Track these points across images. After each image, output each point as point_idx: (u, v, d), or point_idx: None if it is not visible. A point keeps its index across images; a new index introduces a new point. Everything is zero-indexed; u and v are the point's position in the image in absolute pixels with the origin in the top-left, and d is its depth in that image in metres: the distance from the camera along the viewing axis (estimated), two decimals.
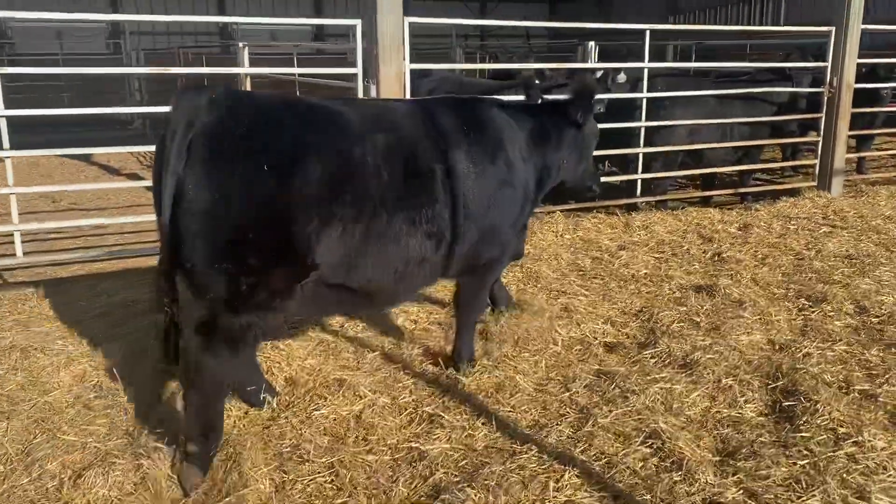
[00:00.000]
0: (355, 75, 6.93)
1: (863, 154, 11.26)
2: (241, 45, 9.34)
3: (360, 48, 6.87)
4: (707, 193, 9.81)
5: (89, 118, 14.09)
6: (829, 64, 9.54)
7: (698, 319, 5.47)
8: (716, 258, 7.16)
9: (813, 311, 5.67)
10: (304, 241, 3.35)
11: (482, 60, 15.79)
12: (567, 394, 4.33)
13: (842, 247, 7.49)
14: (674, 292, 6.16)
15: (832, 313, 5.64)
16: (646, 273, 6.64)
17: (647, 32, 8.48)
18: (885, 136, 12.77)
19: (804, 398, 4.21)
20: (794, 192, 9.92)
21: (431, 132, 3.99)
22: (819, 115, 9.73)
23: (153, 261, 5.97)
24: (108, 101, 18.05)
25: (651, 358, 4.84)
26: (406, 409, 4.19)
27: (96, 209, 9.94)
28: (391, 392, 4.36)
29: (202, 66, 14.75)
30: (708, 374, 4.55)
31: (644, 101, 8.58)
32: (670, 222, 8.45)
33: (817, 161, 9.93)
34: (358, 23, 6.81)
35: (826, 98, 9.65)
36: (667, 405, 4.18)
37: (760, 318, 5.53)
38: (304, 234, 3.34)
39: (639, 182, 9.00)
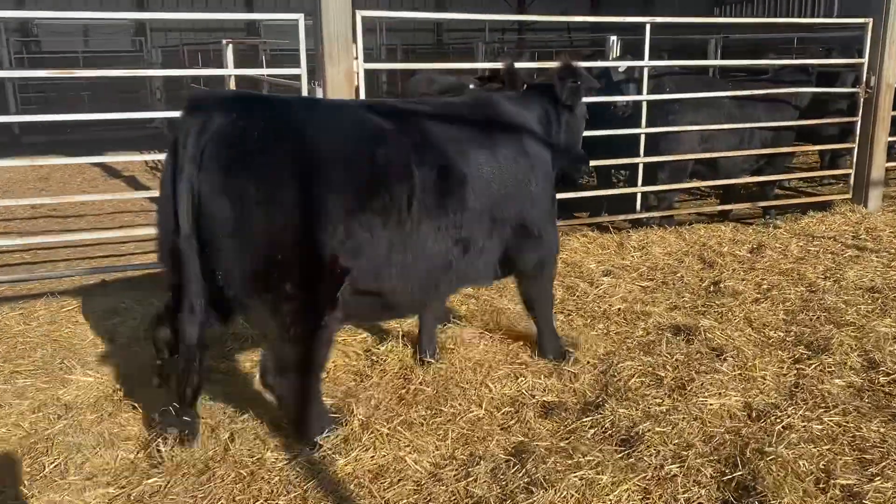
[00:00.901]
0: (299, 76, 6.17)
1: None
2: (224, 42, 8.65)
3: (304, 46, 6.11)
4: (723, 207, 8.75)
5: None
6: (865, 60, 8.37)
7: (663, 374, 4.54)
8: (711, 289, 6.17)
9: (810, 364, 4.68)
10: (332, 253, 3.30)
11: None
12: (463, 482, 3.47)
13: (865, 275, 6.40)
14: (647, 334, 5.23)
15: (833, 368, 4.64)
16: (621, 308, 5.70)
17: (648, 27, 7.49)
18: None
19: (761, 501, 3.27)
20: (825, 206, 8.78)
21: (455, 133, 3.93)
22: (854, 118, 8.57)
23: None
24: (129, 99, 17.74)
25: (590, 428, 3.95)
26: None
27: (74, 216, 9.42)
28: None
29: (212, 65, 14.21)
30: (650, 455, 3.63)
31: (644, 105, 7.59)
32: (671, 242, 7.46)
33: (852, 171, 8.76)
34: (300, 18, 6.06)
35: (862, 99, 8.49)
36: None
37: (741, 374, 4.57)
38: (333, 246, 3.29)
39: (638, 195, 8.01)
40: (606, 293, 6.03)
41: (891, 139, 8.73)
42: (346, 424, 3.82)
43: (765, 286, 6.19)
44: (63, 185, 11.61)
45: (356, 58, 6.18)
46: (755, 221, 8.51)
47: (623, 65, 7.72)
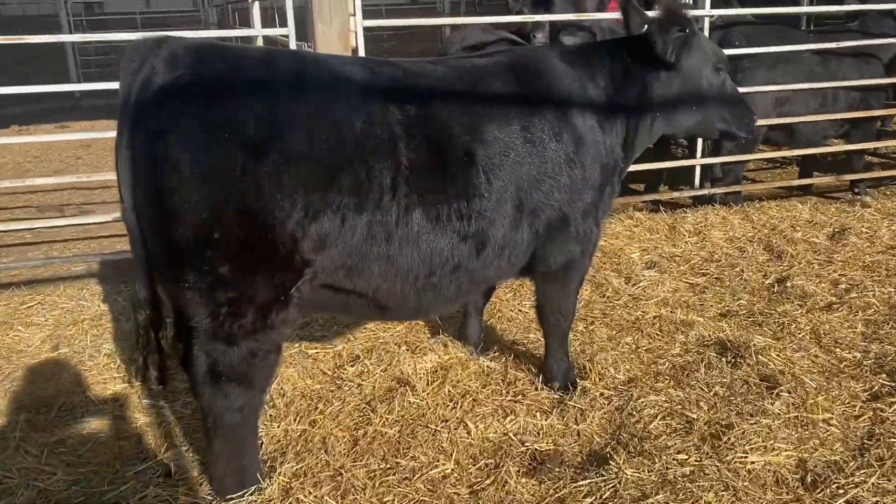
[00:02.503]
0: (286, 37, 5.33)
1: None
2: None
3: (290, 2, 5.24)
4: (802, 182, 7.43)
5: None
6: None
7: (695, 415, 3.53)
8: (775, 288, 5.04)
9: (892, 403, 3.58)
10: (287, 236, 2.67)
11: None
12: None
13: None
14: (685, 353, 4.20)
15: None
16: (658, 315, 4.67)
17: None
18: None
19: None
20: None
21: (469, 99, 3.14)
22: None
23: None
24: None
25: (584, 497, 3.02)
26: None
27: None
28: None
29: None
30: None
31: None
32: (735, 225, 6.29)
33: None
34: None
35: None
36: None
37: (797, 416, 3.51)
38: (288, 228, 2.66)
39: (697, 167, 6.82)
40: (644, 294, 4.99)
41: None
42: (267, 485, 3.02)
43: (843, 285, 5.01)
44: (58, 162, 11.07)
45: (353, 14, 5.27)
46: (841, 198, 7.19)
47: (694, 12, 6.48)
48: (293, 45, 5.35)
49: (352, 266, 2.89)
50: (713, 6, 6.41)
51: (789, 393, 3.67)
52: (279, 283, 2.74)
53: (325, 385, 3.91)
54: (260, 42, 7.56)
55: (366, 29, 5.34)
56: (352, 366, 4.03)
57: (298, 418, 3.57)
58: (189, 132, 2.57)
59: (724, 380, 3.82)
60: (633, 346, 4.30)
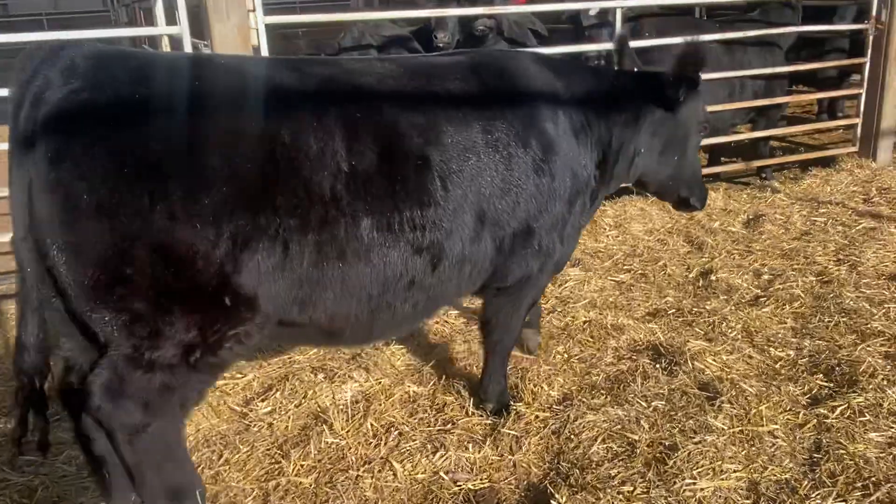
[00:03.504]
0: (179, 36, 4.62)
1: None
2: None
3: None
4: (712, 170, 7.17)
5: None
6: None
7: (637, 436, 3.10)
8: (700, 283, 4.70)
9: (835, 408, 3.24)
10: (214, 271, 2.17)
11: None
12: None
13: (887, 256, 4.91)
14: (618, 360, 3.78)
15: (866, 413, 3.20)
16: (588, 320, 4.24)
17: None
18: None
19: None
20: (828, 162, 7.20)
21: (423, 101, 2.69)
22: (862, 59, 6.92)
23: None
24: None
25: None
26: None
27: None
28: None
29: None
30: None
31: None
32: (653, 216, 5.94)
33: (859, 120, 7.14)
34: None
35: (872, 37, 6.82)
36: None
37: (742, 430, 3.13)
38: (213, 261, 2.16)
39: None
40: (571, 295, 4.56)
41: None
42: None
43: (765, 276, 4.71)
44: None
45: (252, 10, 4.61)
46: (751, 183, 6.96)
47: (595, 5, 6.07)
48: (187, 44, 4.64)
49: (304, 297, 2.40)
50: None
51: (731, 403, 3.29)
52: (207, 324, 2.25)
53: (233, 425, 3.30)
54: (165, 42, 6.77)
55: (279, 26, 4.68)
56: (263, 400, 3.43)
57: (201, 471, 2.96)
58: (84, 156, 2.08)
59: (662, 391, 3.41)
60: (566, 355, 3.85)
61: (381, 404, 3.38)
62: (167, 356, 2.25)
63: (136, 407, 2.28)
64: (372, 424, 3.24)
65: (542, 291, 3.40)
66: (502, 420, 3.27)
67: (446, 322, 4.23)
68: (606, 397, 3.40)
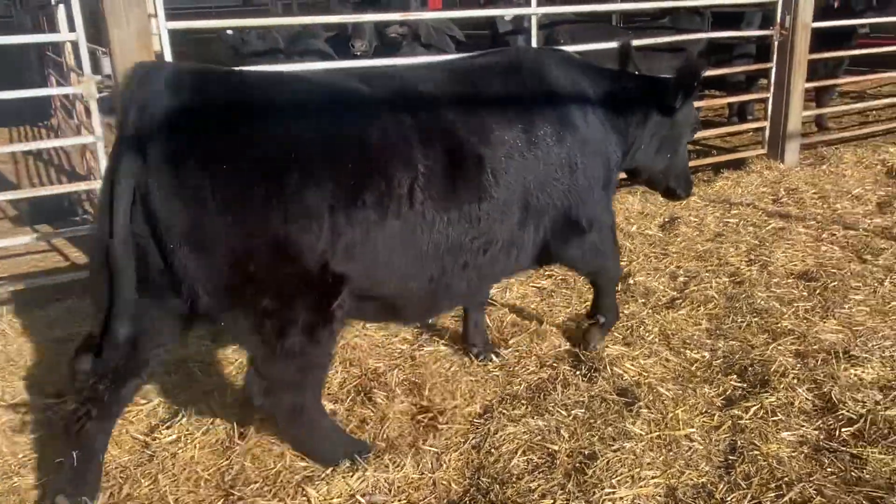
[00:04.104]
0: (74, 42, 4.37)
1: (823, 110, 8.74)
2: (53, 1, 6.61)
3: (77, 3, 4.29)
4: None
5: None
6: None
7: (557, 446, 3.06)
8: (619, 286, 4.69)
9: (748, 408, 3.28)
10: (317, 258, 2.52)
11: None
12: None
13: (796, 255, 5.06)
14: (540, 368, 3.74)
15: (778, 412, 3.25)
16: (509, 327, 4.19)
17: None
18: (848, 84, 10.24)
19: None
20: (740, 163, 7.42)
21: (476, 104, 3.04)
22: (768, 64, 7.17)
23: None
24: None
25: None
26: None
27: None
28: None
29: None
30: None
31: None
32: None
33: (767, 123, 7.39)
34: None
35: (777, 42, 7.07)
36: None
37: (659, 435, 3.13)
38: (316, 250, 2.51)
39: None
40: (493, 301, 4.51)
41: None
42: None
43: (681, 279, 4.77)
44: None
45: (153, 15, 4.39)
46: None
47: (510, 12, 6.07)
48: (83, 51, 4.38)
49: (378, 274, 2.77)
50: (540, 4, 6.02)
51: (648, 408, 3.29)
52: (318, 303, 2.63)
53: (136, 456, 3.10)
54: (68, 49, 6.53)
55: (192, 31, 4.46)
56: (168, 427, 3.23)
57: None
58: (208, 159, 2.37)
59: (582, 399, 3.39)
60: (487, 365, 3.78)
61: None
62: (296, 342, 2.60)
63: (289, 394, 2.76)
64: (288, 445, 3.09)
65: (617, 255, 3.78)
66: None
67: (366, 335, 4.11)
68: (527, 407, 3.35)
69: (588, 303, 4.49)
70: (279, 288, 2.51)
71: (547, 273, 4.96)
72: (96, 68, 4.73)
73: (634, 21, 8.25)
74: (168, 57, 4.48)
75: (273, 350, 2.61)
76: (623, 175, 4.16)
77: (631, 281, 4.74)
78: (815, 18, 7.12)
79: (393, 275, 2.81)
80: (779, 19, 6.94)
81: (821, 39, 7.59)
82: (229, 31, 5.88)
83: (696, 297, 4.47)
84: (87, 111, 4.73)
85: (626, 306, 4.38)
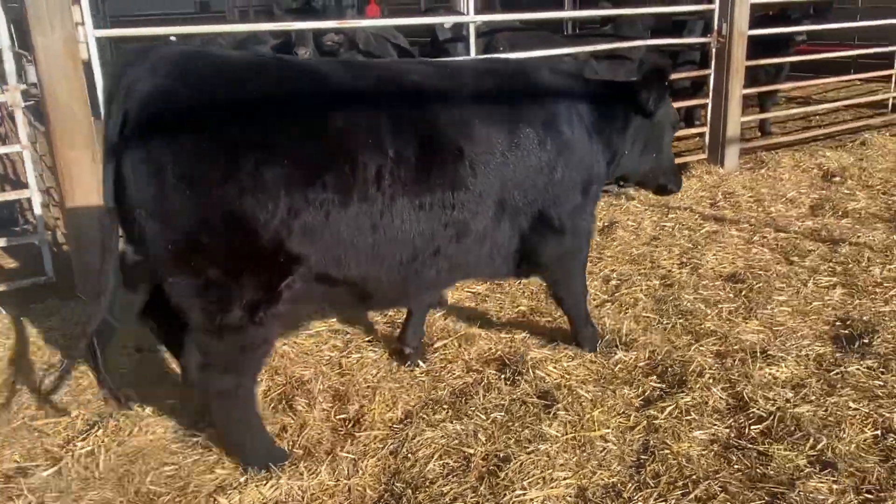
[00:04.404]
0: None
1: (766, 115, 8.95)
2: None
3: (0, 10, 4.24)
4: None
5: None
6: (716, 6, 7.08)
7: (473, 450, 3.08)
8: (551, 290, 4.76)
9: (664, 408, 3.34)
10: (272, 236, 2.59)
11: None
12: None
13: (725, 258, 5.16)
14: (466, 373, 3.77)
15: (692, 411, 3.31)
16: (441, 332, 4.21)
17: None
18: (792, 89, 10.48)
19: None
20: (682, 168, 7.53)
21: (458, 100, 3.12)
22: (706, 70, 7.31)
23: None
24: None
25: None
26: None
27: None
28: None
29: None
30: None
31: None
32: None
33: (707, 128, 7.54)
34: None
35: (714, 49, 7.22)
36: None
37: (574, 437, 3.17)
38: (271, 228, 2.58)
39: None
40: (442, 303, 4.53)
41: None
42: None
43: (613, 282, 4.85)
44: None
45: (81, 23, 4.34)
46: (608, 191, 7.19)
47: (448, 20, 6.11)
48: (7, 58, 4.32)
49: (340, 257, 2.81)
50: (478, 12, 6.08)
51: (566, 410, 3.33)
52: (266, 282, 2.68)
53: (47, 469, 3.04)
54: None
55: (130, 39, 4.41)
56: (83, 440, 3.19)
57: None
58: (171, 136, 2.50)
59: (503, 402, 3.42)
60: (414, 370, 3.80)
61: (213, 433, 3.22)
62: (236, 318, 2.65)
63: (223, 373, 2.77)
64: (201, 453, 3.07)
65: (585, 262, 3.90)
66: (602, 356, 3.80)
67: (295, 343, 4.10)
68: (448, 412, 3.37)
69: (520, 307, 4.55)
70: (227, 260, 2.60)
71: None
72: (24, 76, 4.66)
73: (584, 29, 8.36)
74: (96, 66, 4.42)
75: (213, 321, 2.66)
76: None
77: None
78: (753, 26, 7.31)
79: (359, 258, 2.85)
80: (716, 27, 7.09)
81: (760, 47, 7.79)
82: (172, 38, 5.82)
83: (626, 299, 4.54)
84: (13, 119, 4.65)
85: (557, 309, 4.42)
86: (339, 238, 2.75)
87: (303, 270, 2.74)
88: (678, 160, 7.53)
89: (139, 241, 2.62)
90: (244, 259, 2.62)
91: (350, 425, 3.31)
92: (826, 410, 3.24)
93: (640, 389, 3.55)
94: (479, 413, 3.33)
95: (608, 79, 4.06)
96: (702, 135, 7.73)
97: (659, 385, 3.58)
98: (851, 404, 3.27)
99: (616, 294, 4.63)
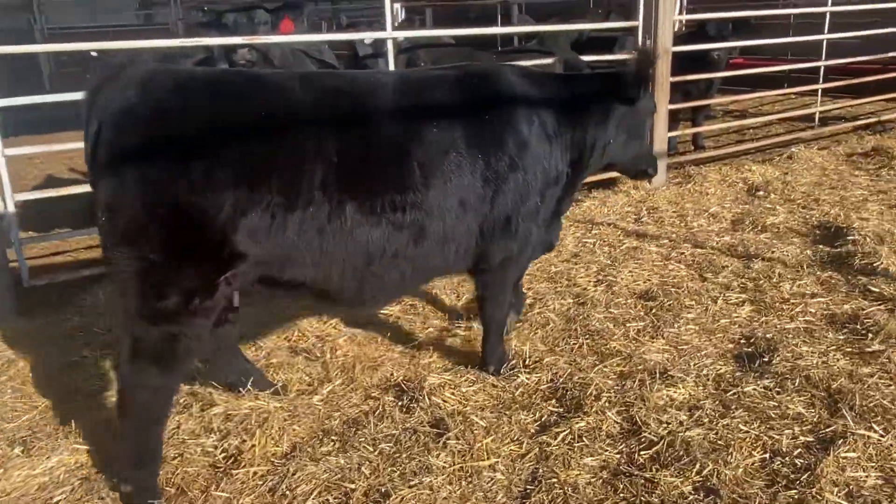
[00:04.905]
0: None
1: (699, 129, 9.04)
2: None
3: None
4: None
5: None
6: (639, 23, 7.12)
7: (355, 484, 2.96)
8: (463, 314, 4.69)
9: (558, 434, 3.26)
10: (215, 232, 2.75)
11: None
12: None
13: (641, 275, 5.14)
14: (364, 401, 3.65)
15: (585, 437, 3.24)
16: (345, 360, 4.09)
17: None
18: (730, 103, 10.65)
19: None
20: (612, 183, 7.56)
21: (409, 107, 3.22)
22: None
23: None
24: None
25: None
26: None
27: None
28: None
29: None
30: None
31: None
32: None
33: None
34: None
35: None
36: None
37: (462, 467, 3.07)
38: (216, 224, 2.74)
39: None
40: (335, 331, 4.41)
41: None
42: None
43: (528, 300, 4.77)
44: None
45: None
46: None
47: (370, 36, 6.03)
48: None
49: (286, 259, 2.95)
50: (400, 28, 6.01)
51: (457, 439, 3.24)
52: (205, 273, 2.80)
53: None
54: None
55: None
56: None
57: None
58: (131, 142, 2.72)
59: (394, 432, 3.31)
60: (311, 398, 3.67)
61: (98, 473, 3.05)
62: (171, 304, 2.74)
63: (150, 365, 2.79)
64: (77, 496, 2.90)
65: (522, 272, 4.01)
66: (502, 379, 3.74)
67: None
68: (336, 444, 3.25)
69: (430, 329, 4.46)
70: (171, 247, 2.73)
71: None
72: None
73: (510, 44, 8.36)
74: None
75: (147, 304, 2.75)
76: None
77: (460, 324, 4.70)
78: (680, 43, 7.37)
79: (309, 261, 2.97)
80: (639, 43, 7.13)
81: (690, 63, 7.88)
82: (94, 53, 5.66)
83: (537, 319, 4.47)
84: None
85: (470, 330, 4.34)
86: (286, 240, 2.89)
87: (249, 268, 2.88)
88: (606, 176, 7.59)
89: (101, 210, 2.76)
90: (187, 248, 2.76)
91: (230, 462, 3.16)
92: (717, 434, 3.20)
93: (538, 414, 3.47)
94: (366, 445, 3.21)
95: (588, 73, 4.07)
96: None
97: (557, 409, 3.51)
98: (742, 426, 3.24)
99: (528, 314, 4.56)
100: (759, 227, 6.03)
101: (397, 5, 8.33)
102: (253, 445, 3.20)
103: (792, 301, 4.56)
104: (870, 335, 4.03)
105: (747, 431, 3.21)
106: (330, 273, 3.05)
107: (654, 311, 4.52)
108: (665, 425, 3.28)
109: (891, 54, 9.89)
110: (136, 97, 2.72)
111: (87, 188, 3.17)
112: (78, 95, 3.08)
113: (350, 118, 3.06)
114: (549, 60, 6.72)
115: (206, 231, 2.74)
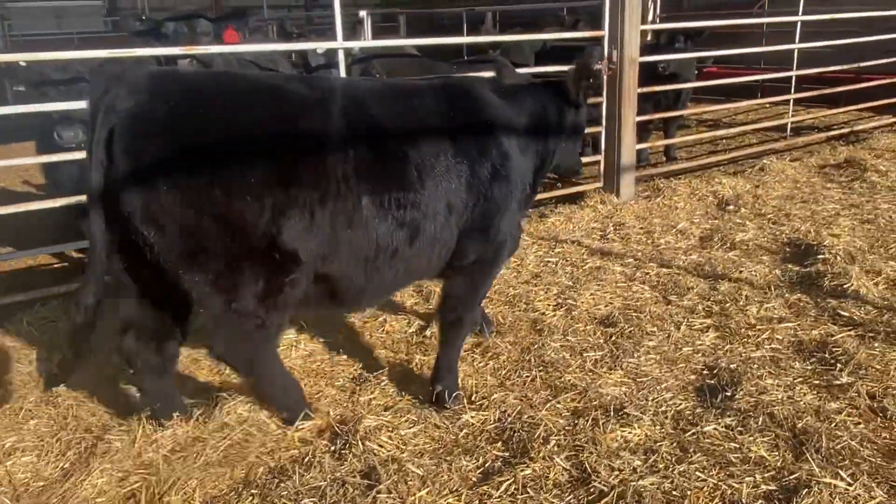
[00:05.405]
0: None
1: (671, 140, 8.84)
2: None
3: None
4: None
5: None
6: (605, 33, 6.89)
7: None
8: (413, 340, 4.39)
9: (501, 483, 2.97)
10: (264, 234, 2.88)
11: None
12: None
13: (603, 297, 4.87)
14: (291, 448, 3.34)
15: (531, 486, 2.96)
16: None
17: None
18: (702, 113, 10.47)
19: None
20: (579, 197, 7.31)
21: (406, 115, 3.34)
22: (599, 99, 7.10)
23: None
24: None
25: None
26: None
27: None
28: None
29: None
30: None
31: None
32: None
33: (601, 157, 7.33)
34: None
35: (606, 76, 7.02)
36: None
37: None
38: (261, 227, 2.86)
39: None
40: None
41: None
42: None
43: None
44: None
45: None
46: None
47: (322, 46, 5.74)
48: None
49: (326, 254, 3.06)
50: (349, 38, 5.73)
51: (389, 492, 2.94)
52: (268, 275, 2.95)
53: None
54: None
55: None
56: None
57: None
58: (157, 149, 2.74)
59: (321, 484, 3.00)
60: (228, 446, 3.34)
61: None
62: (249, 305, 2.96)
63: (242, 347, 3.11)
64: None
65: (493, 279, 3.91)
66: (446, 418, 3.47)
67: (106, 413, 3.61)
68: (255, 499, 2.94)
69: (375, 358, 4.17)
70: (226, 256, 2.86)
71: (345, 323, 4.60)
72: None
73: (472, 53, 8.12)
74: None
75: (228, 312, 2.96)
76: None
77: (429, 332, 4.42)
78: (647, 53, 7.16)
79: (339, 254, 3.09)
80: (606, 54, 6.90)
81: (656, 74, 7.68)
82: (22, 63, 5.34)
83: (489, 347, 4.19)
84: None
85: (415, 359, 4.05)
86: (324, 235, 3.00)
87: (303, 268, 3.00)
88: (573, 189, 7.36)
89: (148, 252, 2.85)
90: (241, 256, 2.88)
91: None
92: (672, 483, 2.92)
93: (481, 460, 3.18)
94: (288, 500, 2.90)
95: (542, 80, 4.08)
96: (597, 163, 7.50)
97: (502, 454, 3.22)
98: (700, 474, 2.97)
99: (483, 343, 4.27)
100: (728, 245, 5.79)
101: (363, 13, 8.06)
102: (162, 501, 2.87)
103: (758, 327, 4.31)
104: (838, 366, 3.78)
105: (705, 479, 2.94)
106: (347, 269, 3.17)
107: (613, 338, 4.25)
108: (617, 473, 3.00)
109: (864, 63, 9.75)
110: (151, 98, 2.74)
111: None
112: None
113: (357, 119, 3.14)
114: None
115: (253, 233, 2.85)
